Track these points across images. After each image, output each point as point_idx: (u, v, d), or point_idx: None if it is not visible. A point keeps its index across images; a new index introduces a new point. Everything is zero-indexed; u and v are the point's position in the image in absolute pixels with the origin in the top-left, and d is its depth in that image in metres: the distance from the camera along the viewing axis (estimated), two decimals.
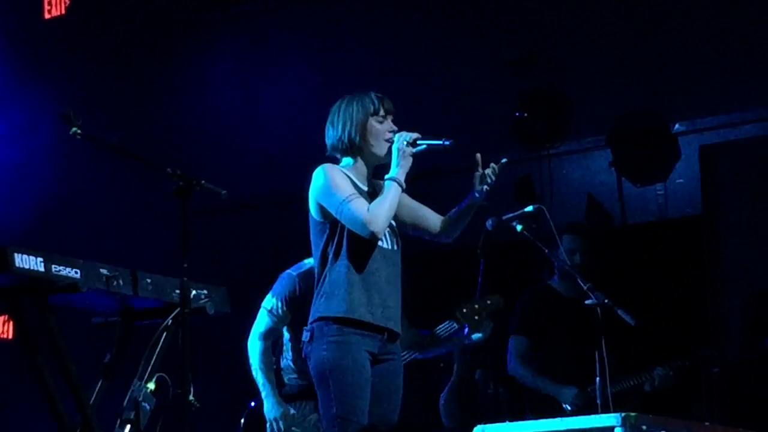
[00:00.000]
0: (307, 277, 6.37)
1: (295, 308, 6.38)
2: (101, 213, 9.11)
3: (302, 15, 9.14)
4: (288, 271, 6.54)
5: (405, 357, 5.81)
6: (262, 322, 6.49)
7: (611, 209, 8.40)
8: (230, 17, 9.39)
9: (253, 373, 6.48)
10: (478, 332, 6.56)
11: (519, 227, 6.40)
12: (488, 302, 6.61)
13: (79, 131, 5.19)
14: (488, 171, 5.15)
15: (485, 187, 5.14)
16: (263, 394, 6.44)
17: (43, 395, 5.53)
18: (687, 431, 5.98)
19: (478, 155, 5.16)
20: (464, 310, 6.54)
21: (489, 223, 6.56)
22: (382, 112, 5.25)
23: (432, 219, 5.34)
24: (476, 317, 6.53)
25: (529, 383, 7.41)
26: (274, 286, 6.52)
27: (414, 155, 5.17)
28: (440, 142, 5.17)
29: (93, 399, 5.69)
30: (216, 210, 7.55)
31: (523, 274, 7.87)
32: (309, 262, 6.35)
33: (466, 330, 6.55)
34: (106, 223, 9.05)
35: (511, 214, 6.34)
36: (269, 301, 6.49)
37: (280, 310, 6.45)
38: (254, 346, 6.48)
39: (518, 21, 8.38)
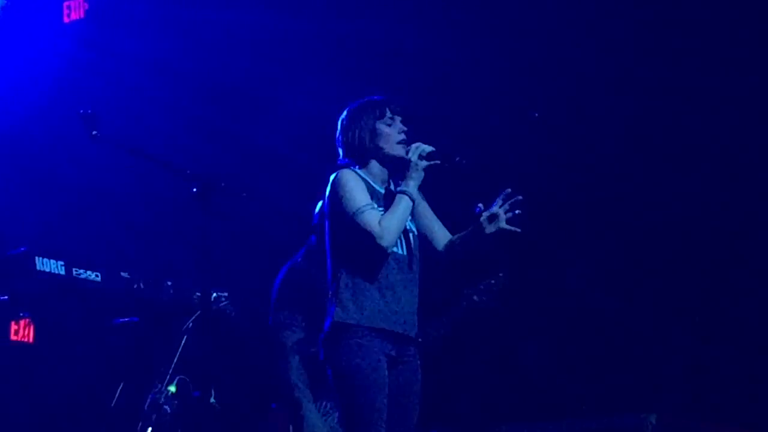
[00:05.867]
0: (287, 274, 6.42)
1: (298, 308, 6.37)
2: (123, 216, 9.12)
3: (308, 24, 9.14)
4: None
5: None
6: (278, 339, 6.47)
7: (629, 210, 8.37)
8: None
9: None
10: None
11: None
12: (493, 282, 6.64)
13: (98, 133, 5.21)
14: (496, 209, 5.17)
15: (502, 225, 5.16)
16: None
17: (64, 397, 5.55)
18: None
19: (480, 206, 5.16)
20: (474, 296, 6.58)
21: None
22: (389, 114, 5.25)
23: (440, 237, 5.33)
24: (484, 298, 6.60)
25: (542, 382, 7.40)
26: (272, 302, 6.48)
27: (426, 169, 5.17)
28: (455, 160, 5.16)
29: (114, 401, 5.71)
30: (237, 212, 7.55)
31: (542, 273, 7.86)
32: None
33: None
34: (128, 226, 9.05)
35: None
36: (276, 317, 6.47)
37: (290, 317, 6.43)
38: (285, 365, 6.43)
39: (530, 21, 8.36)
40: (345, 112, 5.32)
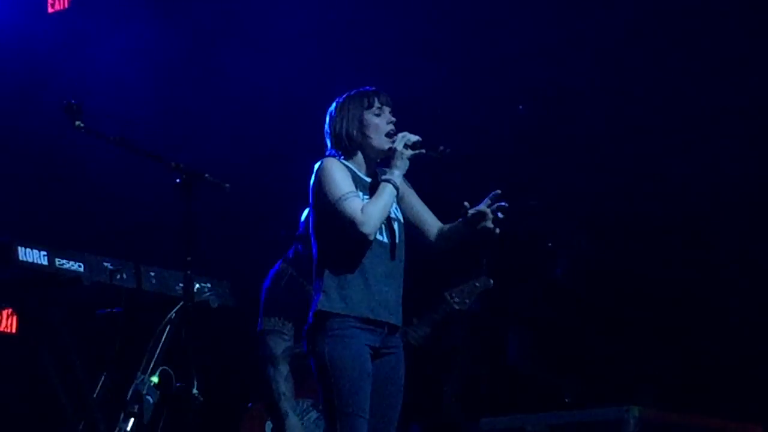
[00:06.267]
0: (276, 279, 6.44)
1: (287, 315, 6.40)
2: (106, 206, 9.10)
3: (300, 11, 9.13)
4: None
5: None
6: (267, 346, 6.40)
7: (613, 205, 8.37)
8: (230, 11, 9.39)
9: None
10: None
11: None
12: (476, 284, 6.62)
13: (82, 124, 5.19)
14: (483, 207, 5.14)
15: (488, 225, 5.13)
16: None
17: (47, 388, 5.53)
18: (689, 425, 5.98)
19: (467, 204, 5.15)
20: (455, 297, 6.56)
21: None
22: (377, 104, 5.23)
23: (431, 225, 5.32)
24: (466, 300, 6.57)
25: (535, 377, 7.40)
26: (262, 308, 6.47)
27: (412, 158, 5.17)
28: (440, 149, 5.16)
29: (96, 392, 5.70)
30: (220, 203, 7.54)
31: (529, 268, 7.86)
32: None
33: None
34: (111, 216, 9.04)
35: None
36: (266, 323, 6.42)
37: (279, 324, 6.44)
38: (270, 373, 6.38)
39: (519, 17, 8.36)
40: (333, 104, 5.31)
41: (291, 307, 6.36)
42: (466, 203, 5.14)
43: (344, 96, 5.31)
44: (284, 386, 6.34)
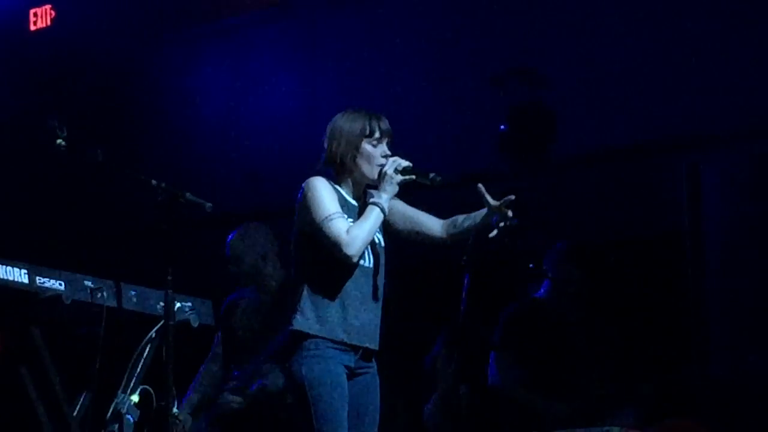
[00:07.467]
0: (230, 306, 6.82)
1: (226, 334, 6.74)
2: (87, 224, 9.09)
3: (287, 29, 9.14)
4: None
5: None
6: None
7: (596, 224, 8.38)
8: (215, 31, 9.40)
9: None
10: None
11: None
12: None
13: (63, 143, 5.18)
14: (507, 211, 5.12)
15: (502, 224, 5.11)
16: None
17: (26, 408, 5.51)
18: None
19: (481, 186, 5.13)
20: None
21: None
22: (377, 135, 5.20)
23: (431, 224, 5.27)
24: None
25: (516, 398, 7.37)
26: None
27: (401, 184, 5.15)
28: (431, 177, 5.14)
29: (77, 411, 5.68)
30: (201, 223, 7.54)
31: (509, 288, 7.86)
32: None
33: None
34: (91, 234, 9.03)
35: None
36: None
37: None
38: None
39: (506, 35, 8.38)
40: (336, 118, 5.26)
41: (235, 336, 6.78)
42: (480, 185, 5.10)
43: (348, 114, 5.25)
44: (200, 381, 6.81)
